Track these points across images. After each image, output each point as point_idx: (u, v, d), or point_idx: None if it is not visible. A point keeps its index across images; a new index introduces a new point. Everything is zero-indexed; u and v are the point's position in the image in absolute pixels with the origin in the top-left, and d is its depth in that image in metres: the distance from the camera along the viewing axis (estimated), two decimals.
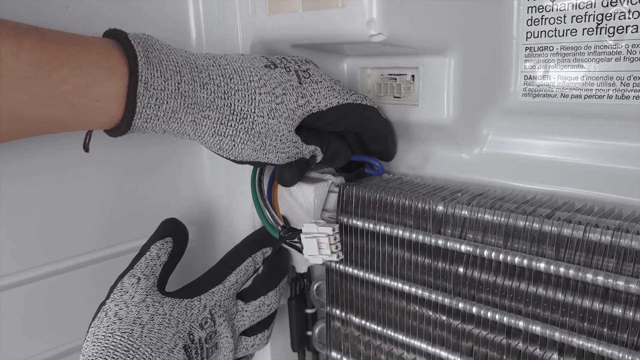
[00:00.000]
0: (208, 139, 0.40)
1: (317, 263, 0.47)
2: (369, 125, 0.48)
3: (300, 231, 0.46)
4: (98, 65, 0.35)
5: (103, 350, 0.39)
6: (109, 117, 0.36)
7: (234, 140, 0.40)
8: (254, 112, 0.40)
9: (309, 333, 0.58)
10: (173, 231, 0.46)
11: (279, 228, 0.48)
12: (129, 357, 0.38)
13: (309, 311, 0.58)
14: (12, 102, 0.32)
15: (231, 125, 0.40)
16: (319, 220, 0.47)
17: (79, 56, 0.34)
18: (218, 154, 0.42)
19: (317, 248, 0.46)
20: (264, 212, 0.49)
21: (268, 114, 0.41)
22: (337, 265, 0.50)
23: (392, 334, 0.48)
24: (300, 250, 0.47)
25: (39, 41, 0.33)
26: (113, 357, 0.38)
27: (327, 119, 0.45)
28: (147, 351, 0.39)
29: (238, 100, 0.40)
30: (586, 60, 0.43)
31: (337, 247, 0.46)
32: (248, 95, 0.40)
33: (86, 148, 0.41)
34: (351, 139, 0.50)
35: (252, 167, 0.49)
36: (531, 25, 0.45)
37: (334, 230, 0.46)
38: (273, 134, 0.41)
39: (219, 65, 0.40)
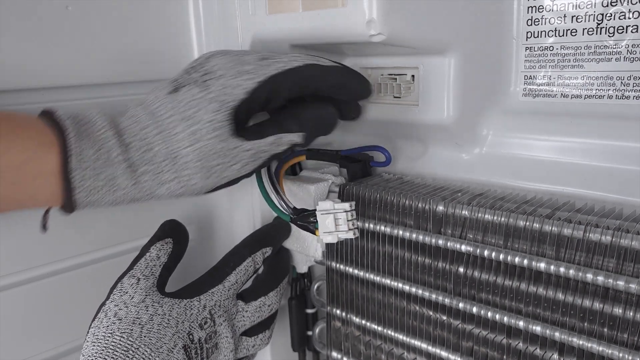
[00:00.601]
0: (157, 192, 0.40)
1: (332, 242, 0.44)
2: (313, 85, 0.43)
3: (314, 210, 0.45)
4: (34, 141, 0.36)
5: (103, 350, 0.39)
6: (50, 194, 0.37)
7: (180, 182, 0.40)
8: (179, 147, 0.39)
9: (310, 333, 0.58)
10: (173, 232, 0.47)
11: (290, 210, 0.46)
12: (128, 357, 0.38)
13: (309, 311, 0.58)
14: None
15: (169, 170, 0.40)
16: (335, 199, 0.46)
17: (14, 133, 0.35)
18: (180, 197, 0.41)
19: (333, 225, 0.44)
20: (271, 197, 0.47)
21: (192, 140, 0.39)
22: (338, 265, 0.50)
23: (393, 334, 0.48)
24: (312, 231, 0.45)
25: None
26: (113, 357, 0.38)
27: (257, 101, 0.42)
28: (147, 351, 0.39)
29: (160, 144, 0.39)
30: (586, 60, 0.43)
31: (353, 224, 0.44)
32: (166, 134, 0.39)
33: (44, 227, 0.41)
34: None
35: None
36: (531, 25, 0.45)
37: (351, 206, 0.44)
38: (209, 156, 0.40)
39: (136, 119, 0.40)
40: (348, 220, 0.44)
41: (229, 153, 0.41)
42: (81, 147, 0.37)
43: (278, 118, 0.44)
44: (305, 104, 0.45)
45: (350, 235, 0.44)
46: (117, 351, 0.39)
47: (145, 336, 0.40)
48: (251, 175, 0.44)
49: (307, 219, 0.45)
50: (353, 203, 0.44)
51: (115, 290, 0.42)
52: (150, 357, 0.39)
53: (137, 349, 0.39)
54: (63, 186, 0.36)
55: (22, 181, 0.36)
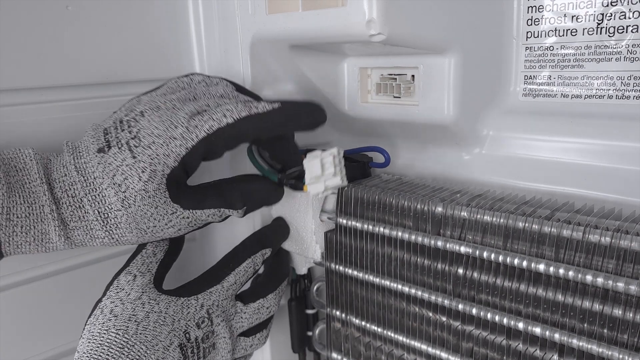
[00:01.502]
0: (90, 243, 0.40)
1: (319, 191, 0.44)
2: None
3: (301, 167, 0.44)
4: None
5: (98, 347, 0.39)
6: None
7: (112, 238, 0.40)
8: (110, 209, 0.39)
9: (310, 334, 0.58)
10: None
11: (277, 170, 0.46)
12: (123, 354, 0.38)
13: (309, 312, 0.58)
14: None
15: (100, 228, 0.40)
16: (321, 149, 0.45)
17: None
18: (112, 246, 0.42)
19: (320, 169, 0.43)
20: (259, 162, 0.47)
21: (122, 205, 0.39)
22: (337, 267, 0.50)
23: (393, 335, 0.48)
24: (300, 187, 0.44)
25: None
26: (108, 354, 0.38)
27: (191, 164, 0.41)
28: (142, 348, 0.39)
29: (91, 205, 0.39)
30: (586, 60, 0.43)
31: (341, 170, 0.43)
32: (95, 195, 0.39)
33: None
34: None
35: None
36: (531, 25, 0.45)
37: (338, 152, 0.43)
38: (142, 220, 0.40)
39: (66, 172, 0.39)
40: (335, 166, 0.43)
41: (165, 217, 0.41)
42: (12, 202, 0.37)
43: (221, 190, 0.43)
44: (249, 177, 0.46)
45: (337, 181, 0.43)
46: (112, 348, 0.39)
47: (140, 333, 0.40)
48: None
49: (296, 173, 0.45)
50: (341, 149, 0.43)
51: (111, 287, 0.43)
52: (146, 354, 0.39)
53: (133, 346, 0.39)
54: None
55: None
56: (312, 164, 0.44)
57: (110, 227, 0.40)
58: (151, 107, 0.41)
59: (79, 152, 0.40)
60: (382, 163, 0.51)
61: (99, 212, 0.39)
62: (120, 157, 0.39)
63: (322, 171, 0.44)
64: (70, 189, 0.39)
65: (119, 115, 0.41)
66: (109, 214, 0.39)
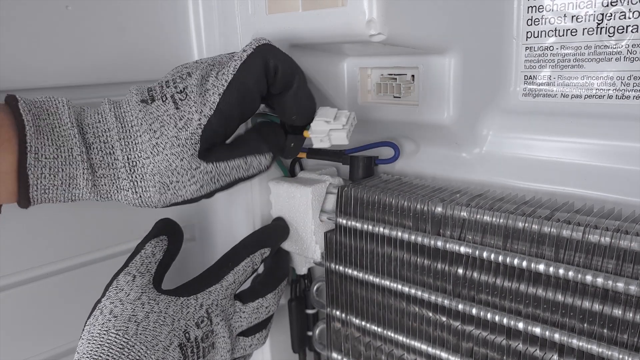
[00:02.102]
0: (115, 196, 0.40)
1: (320, 135, 0.44)
2: (272, 63, 0.42)
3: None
4: None
5: (98, 347, 0.39)
6: (6, 192, 0.37)
7: (135, 192, 0.40)
8: (140, 156, 0.40)
9: (310, 333, 0.58)
10: (167, 230, 0.47)
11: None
12: (123, 354, 0.38)
13: (309, 312, 0.58)
14: None
15: (125, 178, 0.40)
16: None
17: None
18: (135, 207, 0.42)
19: (332, 116, 0.43)
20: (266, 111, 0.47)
21: (152, 152, 0.40)
22: (337, 267, 0.50)
23: (393, 335, 0.48)
24: (300, 132, 0.45)
25: None
26: (108, 355, 0.38)
27: (231, 122, 0.42)
28: (142, 349, 0.39)
29: (122, 150, 0.40)
30: (586, 60, 0.43)
31: (349, 131, 0.44)
32: (128, 141, 0.40)
33: None
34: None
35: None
36: (531, 25, 0.45)
37: (354, 117, 0.44)
38: (167, 171, 0.40)
39: (103, 120, 0.40)
40: (347, 122, 0.43)
41: (188, 172, 0.41)
42: (40, 143, 0.37)
43: (245, 137, 0.44)
44: (268, 126, 0.46)
45: (342, 135, 0.43)
46: (112, 349, 0.38)
47: (140, 334, 0.40)
48: (211, 196, 0.44)
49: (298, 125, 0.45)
50: (354, 114, 0.44)
51: (110, 287, 0.42)
52: (146, 354, 0.39)
53: (133, 346, 0.39)
54: (19, 185, 0.36)
55: None
56: (326, 110, 0.44)
57: (135, 177, 0.40)
58: (197, 67, 0.43)
59: (120, 104, 0.41)
60: (389, 159, 0.51)
61: (128, 159, 0.40)
62: (163, 108, 0.40)
63: (334, 119, 0.44)
64: (103, 134, 0.40)
65: (166, 79, 0.42)
66: (137, 162, 0.40)
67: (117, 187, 0.40)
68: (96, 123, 0.40)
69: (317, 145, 0.45)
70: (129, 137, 0.40)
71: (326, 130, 0.44)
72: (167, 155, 0.40)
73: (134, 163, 0.40)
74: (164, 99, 0.41)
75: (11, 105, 0.37)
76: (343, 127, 0.44)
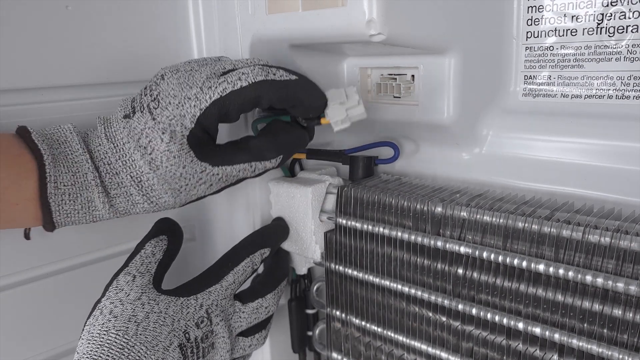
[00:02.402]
0: (133, 211, 0.42)
1: (340, 119, 0.43)
2: (261, 103, 0.41)
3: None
4: (11, 169, 0.37)
5: (98, 348, 0.39)
6: (31, 217, 0.39)
7: (151, 202, 0.42)
8: (142, 172, 0.41)
9: (310, 333, 0.58)
10: (167, 230, 0.47)
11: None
12: (123, 354, 0.38)
13: (309, 312, 0.58)
14: None
15: (137, 192, 0.41)
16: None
17: None
18: (156, 212, 0.43)
19: (344, 97, 0.43)
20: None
21: (150, 168, 0.41)
22: (337, 267, 0.50)
23: (393, 335, 0.48)
24: (318, 122, 0.44)
25: None
26: (108, 355, 0.38)
27: (208, 124, 0.41)
28: (142, 349, 0.39)
29: (124, 170, 0.41)
30: (586, 60, 0.43)
31: (362, 103, 0.44)
32: (126, 160, 0.41)
33: (27, 237, 0.44)
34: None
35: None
36: (531, 25, 0.45)
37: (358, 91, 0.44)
38: (172, 180, 0.41)
39: (100, 142, 0.41)
40: (359, 99, 0.44)
41: (194, 176, 0.42)
42: (58, 172, 0.38)
43: (248, 144, 0.44)
44: (278, 126, 0.45)
45: (361, 109, 0.44)
46: (112, 349, 0.38)
47: (140, 334, 0.40)
48: (221, 191, 0.45)
49: (313, 117, 0.45)
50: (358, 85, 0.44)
51: (110, 287, 0.42)
52: (146, 355, 0.39)
53: (133, 346, 0.39)
54: (42, 212, 0.38)
55: (3, 208, 0.37)
56: (334, 93, 0.44)
57: (145, 190, 0.41)
58: (171, 70, 0.42)
59: (109, 122, 0.42)
60: (388, 159, 0.51)
61: (132, 177, 0.41)
62: (143, 120, 0.40)
63: (346, 99, 0.43)
64: (105, 157, 0.41)
65: (147, 83, 0.43)
66: (141, 177, 0.41)
67: (132, 202, 0.42)
68: (97, 147, 0.41)
69: (338, 129, 0.44)
70: (124, 156, 0.41)
71: (343, 111, 0.44)
72: (167, 167, 0.41)
73: (139, 179, 0.41)
74: (142, 110, 0.41)
75: (24, 137, 0.39)
76: (359, 102, 0.44)
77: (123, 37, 0.50)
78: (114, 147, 0.41)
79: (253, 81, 0.40)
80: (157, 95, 0.41)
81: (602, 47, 0.42)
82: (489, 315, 0.41)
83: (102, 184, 0.40)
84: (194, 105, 0.40)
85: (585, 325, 0.36)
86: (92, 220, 0.41)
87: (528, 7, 0.45)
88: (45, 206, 0.38)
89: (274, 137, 0.45)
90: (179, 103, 0.40)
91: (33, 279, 0.49)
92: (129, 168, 0.41)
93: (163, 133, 0.40)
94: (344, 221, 0.48)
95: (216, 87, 0.40)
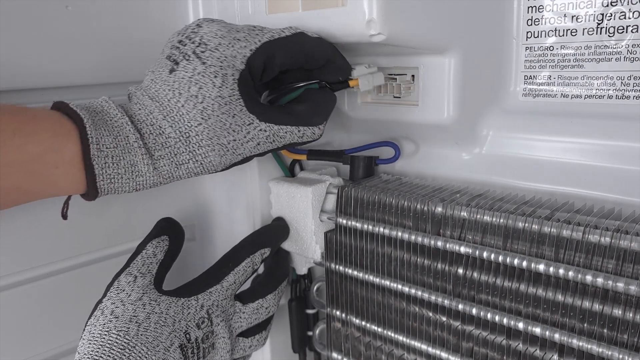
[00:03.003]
0: (176, 174, 0.40)
1: (367, 84, 0.46)
2: (304, 53, 0.43)
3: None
4: (51, 132, 0.36)
5: (99, 348, 0.39)
6: (72, 182, 0.37)
7: (196, 161, 0.40)
8: (190, 125, 0.40)
9: (310, 333, 0.58)
10: (169, 230, 0.47)
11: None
12: (124, 355, 0.38)
13: (309, 311, 0.58)
14: None
15: (184, 151, 0.40)
16: None
17: (31, 125, 0.35)
18: (198, 175, 0.42)
19: (366, 69, 0.46)
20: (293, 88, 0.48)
21: (202, 117, 0.40)
22: (337, 267, 0.50)
23: (393, 335, 0.48)
24: (348, 84, 0.46)
25: None
26: (109, 356, 0.38)
27: (255, 71, 0.41)
28: (143, 350, 0.39)
29: (171, 126, 0.40)
30: (586, 60, 0.43)
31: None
32: (175, 115, 0.40)
33: (64, 216, 0.42)
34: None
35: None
36: (531, 25, 0.45)
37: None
38: (222, 132, 0.40)
39: (141, 105, 0.40)
40: (378, 70, 0.47)
41: (243, 129, 0.41)
42: (99, 134, 0.37)
43: (297, 109, 0.44)
44: (314, 93, 0.45)
45: (381, 76, 0.47)
46: (113, 349, 0.39)
47: (142, 334, 0.40)
48: (265, 155, 0.44)
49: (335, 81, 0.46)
50: None
51: (112, 287, 0.42)
52: (147, 355, 0.39)
53: (134, 347, 0.39)
54: (85, 174, 0.37)
55: (43, 171, 0.36)
56: (358, 67, 0.46)
57: (193, 146, 0.40)
58: (205, 20, 0.42)
59: (146, 84, 0.41)
60: (389, 159, 0.51)
61: (180, 132, 0.39)
62: (191, 67, 0.40)
63: (368, 69, 0.47)
64: (147, 118, 0.39)
65: (175, 40, 0.42)
66: (190, 132, 0.39)
67: (176, 163, 0.40)
68: (138, 110, 0.40)
69: (364, 88, 0.46)
70: (172, 112, 0.39)
71: (366, 73, 0.46)
72: (218, 116, 0.40)
73: (187, 134, 0.40)
74: (187, 58, 0.40)
75: (61, 107, 0.38)
76: (377, 70, 0.47)
77: (123, 37, 0.50)
78: (159, 104, 0.40)
79: (295, 32, 0.42)
80: (201, 40, 0.40)
81: (602, 47, 0.42)
82: (489, 315, 0.41)
83: (145, 145, 0.39)
84: (244, 46, 0.41)
85: (585, 325, 0.36)
86: (135, 187, 0.39)
87: (528, 7, 0.45)
88: (89, 168, 0.37)
89: (316, 103, 0.45)
90: (229, 44, 0.40)
91: (33, 279, 0.49)
92: (177, 123, 0.39)
93: (215, 77, 0.40)
94: (344, 221, 0.48)
95: (264, 34, 0.42)
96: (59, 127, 0.36)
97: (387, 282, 0.46)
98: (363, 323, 0.50)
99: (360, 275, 0.48)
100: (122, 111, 0.39)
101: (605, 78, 0.42)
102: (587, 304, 0.36)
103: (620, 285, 0.34)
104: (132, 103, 0.41)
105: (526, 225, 0.38)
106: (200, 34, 0.41)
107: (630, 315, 0.35)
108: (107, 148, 0.37)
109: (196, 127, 0.39)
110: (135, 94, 0.41)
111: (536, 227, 0.38)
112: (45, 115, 0.37)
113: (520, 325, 0.39)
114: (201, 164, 0.41)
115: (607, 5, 0.41)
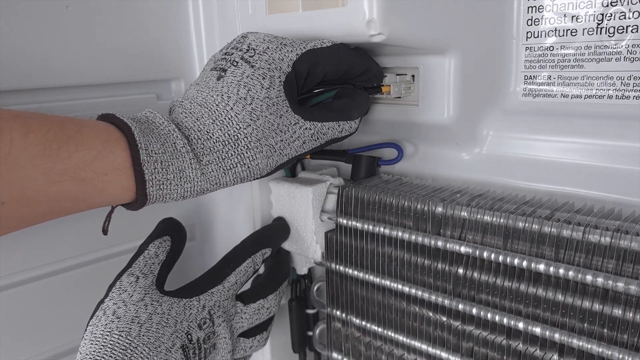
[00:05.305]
0: (223, 180, 0.40)
1: (397, 86, 0.48)
2: (347, 62, 0.44)
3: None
4: (100, 139, 0.36)
5: (101, 348, 0.39)
6: (120, 189, 0.37)
7: (244, 164, 0.40)
8: (239, 128, 0.40)
9: (310, 333, 0.58)
10: (171, 230, 0.47)
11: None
12: (126, 355, 0.38)
13: (309, 311, 0.58)
14: (23, 180, 0.33)
15: (232, 155, 0.40)
16: None
17: (81, 133, 0.35)
18: (245, 182, 0.42)
19: (396, 77, 0.48)
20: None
21: (250, 119, 0.40)
22: (337, 267, 0.50)
23: (393, 334, 0.48)
24: (380, 90, 0.48)
25: (45, 123, 0.34)
26: (111, 356, 0.38)
27: (299, 75, 0.43)
28: (145, 350, 0.39)
29: (221, 129, 0.40)
30: (586, 60, 0.43)
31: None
32: (224, 118, 0.40)
33: (105, 231, 0.42)
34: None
35: None
36: (531, 25, 0.45)
37: None
38: (270, 132, 0.41)
39: (188, 112, 0.40)
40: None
41: (289, 129, 0.42)
42: (147, 141, 0.37)
43: (335, 105, 0.45)
44: (347, 91, 0.47)
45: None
46: (115, 350, 0.39)
47: (143, 335, 0.40)
48: (307, 155, 0.45)
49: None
50: None
51: (114, 288, 0.42)
52: (149, 356, 0.39)
53: (136, 347, 0.39)
54: (135, 180, 0.37)
55: (92, 178, 0.35)
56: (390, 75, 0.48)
57: (241, 149, 0.40)
58: (249, 32, 0.44)
59: (191, 94, 0.42)
60: (391, 160, 0.51)
61: (229, 135, 0.40)
62: (239, 72, 0.41)
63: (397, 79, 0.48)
64: (195, 124, 0.40)
65: (219, 56, 0.43)
66: (239, 134, 0.40)
67: (224, 168, 0.40)
68: (184, 118, 0.40)
69: (394, 94, 0.48)
70: (220, 116, 0.40)
71: (398, 80, 0.48)
72: (266, 117, 0.40)
73: (236, 137, 0.40)
74: (235, 64, 0.41)
75: (107, 117, 0.38)
76: (410, 78, 0.48)
77: (123, 37, 0.50)
78: (208, 110, 0.40)
79: (335, 43, 0.44)
80: (249, 46, 0.42)
81: (602, 47, 0.42)
82: (489, 315, 0.41)
83: (192, 151, 0.39)
84: (291, 51, 0.42)
85: (585, 325, 0.37)
86: (183, 194, 0.39)
87: (528, 7, 0.45)
88: (139, 174, 0.36)
89: (353, 98, 0.46)
90: (277, 47, 0.42)
91: (33, 279, 0.49)
92: (227, 126, 0.40)
93: (263, 79, 0.40)
94: (345, 221, 0.48)
95: (307, 42, 0.43)
96: (107, 135, 0.36)
97: (387, 282, 0.46)
98: (363, 323, 0.50)
99: (361, 275, 0.48)
100: (168, 119, 0.39)
101: (605, 78, 0.42)
102: (587, 303, 0.36)
103: (620, 285, 0.34)
104: (176, 113, 0.41)
105: (526, 225, 0.38)
106: (247, 42, 0.42)
107: (630, 315, 0.35)
108: (155, 154, 0.37)
109: (245, 129, 0.40)
110: (182, 103, 0.41)
111: (536, 227, 0.38)
112: (93, 124, 0.37)
113: (521, 325, 0.39)
114: (248, 167, 0.40)
115: (607, 5, 0.41)
